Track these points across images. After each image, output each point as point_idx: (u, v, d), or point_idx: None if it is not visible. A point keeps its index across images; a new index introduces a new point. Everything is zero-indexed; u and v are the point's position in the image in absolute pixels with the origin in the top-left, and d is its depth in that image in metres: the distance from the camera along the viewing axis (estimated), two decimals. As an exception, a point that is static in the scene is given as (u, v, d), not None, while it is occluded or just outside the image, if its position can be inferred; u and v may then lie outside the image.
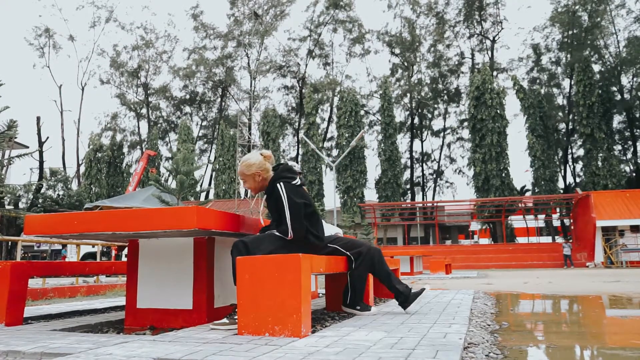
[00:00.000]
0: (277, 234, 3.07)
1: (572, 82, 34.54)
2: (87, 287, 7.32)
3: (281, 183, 3.09)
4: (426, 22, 41.82)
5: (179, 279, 3.05)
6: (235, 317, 2.74)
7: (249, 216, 3.31)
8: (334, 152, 39.55)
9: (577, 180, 36.65)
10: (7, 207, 24.96)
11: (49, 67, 42.79)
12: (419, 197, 42.52)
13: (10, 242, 23.52)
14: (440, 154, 43.79)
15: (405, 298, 3.36)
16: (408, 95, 41.80)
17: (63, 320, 3.43)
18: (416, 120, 42.50)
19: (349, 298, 3.46)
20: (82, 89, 43.19)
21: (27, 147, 28.09)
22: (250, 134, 35.15)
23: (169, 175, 36.33)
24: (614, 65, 35.50)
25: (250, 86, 39.96)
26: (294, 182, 3.15)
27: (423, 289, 3.52)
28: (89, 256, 18.15)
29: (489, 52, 40.45)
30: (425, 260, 16.82)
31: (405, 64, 42.49)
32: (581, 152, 34.81)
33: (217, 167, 39.79)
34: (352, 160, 34.36)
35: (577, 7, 35.29)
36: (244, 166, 3.18)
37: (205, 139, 48.03)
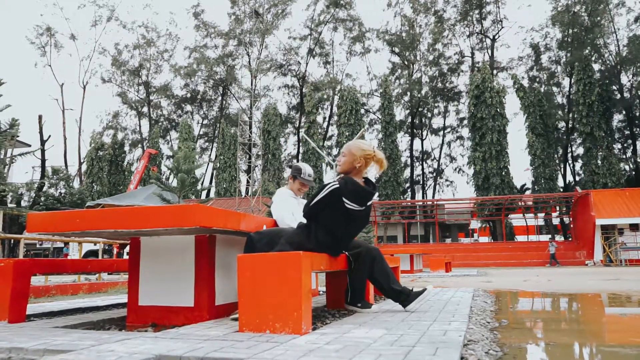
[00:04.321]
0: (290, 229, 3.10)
1: (572, 81, 34.51)
2: (89, 284, 7.34)
3: (333, 188, 2.97)
4: (426, 21, 41.84)
5: (181, 276, 3.07)
6: None
7: (249, 214, 3.32)
8: (335, 151, 39.56)
9: (577, 178, 36.64)
10: (9, 205, 24.96)
11: (50, 65, 42.74)
12: (419, 196, 42.52)
13: (12, 240, 23.55)
14: (440, 152, 43.83)
15: (407, 297, 3.31)
16: (408, 93, 41.79)
17: (65, 318, 3.45)
18: (416, 119, 42.49)
19: (350, 296, 3.47)
20: (84, 88, 43.22)
21: (29, 145, 28.09)
22: (251, 132, 35.13)
23: (170, 174, 36.36)
24: (614, 64, 35.48)
25: (251, 85, 39.92)
26: (348, 203, 2.97)
27: (425, 289, 3.45)
28: (90, 254, 18.18)
29: (489, 51, 40.42)
30: (425, 258, 16.82)
31: (405, 62, 42.46)
32: (581, 150, 34.81)
33: (218, 165, 39.82)
34: (353, 159, 34.30)
35: (577, 6, 35.28)
36: (354, 146, 3.10)
37: (206, 138, 48.07)
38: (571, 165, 38.33)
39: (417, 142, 43.07)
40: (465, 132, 41.41)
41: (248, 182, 34.58)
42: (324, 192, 2.98)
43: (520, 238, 36.89)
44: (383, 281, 3.35)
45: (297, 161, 39.89)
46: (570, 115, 36.01)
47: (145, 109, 45.72)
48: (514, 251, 26.99)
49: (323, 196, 2.98)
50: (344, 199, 2.97)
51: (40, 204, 30.62)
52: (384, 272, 3.36)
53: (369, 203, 3.13)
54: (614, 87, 34.85)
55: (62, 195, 33.17)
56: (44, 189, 32.46)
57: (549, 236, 33.18)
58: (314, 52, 43.33)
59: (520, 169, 46.01)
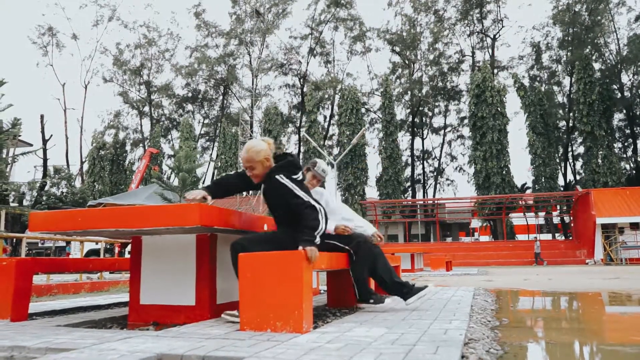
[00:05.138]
0: (282, 235, 3.05)
1: (573, 80, 34.47)
2: (91, 283, 7.36)
3: (282, 175, 2.99)
4: (426, 20, 41.83)
5: (182, 275, 3.08)
6: None
7: (250, 213, 3.33)
8: (335, 150, 39.55)
9: (577, 177, 36.62)
10: (11, 204, 25.00)
11: (52, 65, 42.85)
12: (419, 195, 42.51)
13: (14, 239, 23.57)
14: (441, 151, 43.81)
15: (409, 289, 3.34)
16: (409, 93, 41.78)
17: (67, 316, 3.46)
18: (417, 118, 42.48)
19: (357, 292, 3.40)
20: (85, 87, 43.27)
21: (31, 145, 28.17)
22: (252, 131, 35.15)
23: (171, 173, 36.37)
24: (615, 63, 35.44)
25: (252, 84, 39.94)
26: (295, 177, 3.04)
27: (426, 286, 3.46)
28: (92, 253, 18.20)
29: (490, 50, 40.38)
30: (426, 257, 16.84)
31: (406, 61, 42.43)
32: (581, 149, 34.78)
33: (219, 164, 39.81)
34: (353, 158, 34.35)
35: (577, 6, 35.26)
36: (253, 152, 3.04)
37: (207, 137, 48.04)
38: (572, 164, 38.32)
39: (417, 141, 43.10)
40: (466, 131, 41.39)
41: (249, 181, 34.51)
42: (293, 187, 2.98)
43: (520, 237, 36.86)
44: (386, 277, 3.36)
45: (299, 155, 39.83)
46: (571, 114, 35.97)
47: (146, 109, 45.73)
48: (515, 250, 26.97)
49: (296, 188, 2.98)
50: (293, 177, 3.03)
51: (42, 203, 30.68)
52: (386, 268, 3.38)
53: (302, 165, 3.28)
54: (615, 86, 34.80)
55: (64, 194, 33.22)
56: (46, 188, 32.53)
57: (534, 235, 33.28)
58: (315, 52, 43.30)
59: (521, 168, 46.25)
